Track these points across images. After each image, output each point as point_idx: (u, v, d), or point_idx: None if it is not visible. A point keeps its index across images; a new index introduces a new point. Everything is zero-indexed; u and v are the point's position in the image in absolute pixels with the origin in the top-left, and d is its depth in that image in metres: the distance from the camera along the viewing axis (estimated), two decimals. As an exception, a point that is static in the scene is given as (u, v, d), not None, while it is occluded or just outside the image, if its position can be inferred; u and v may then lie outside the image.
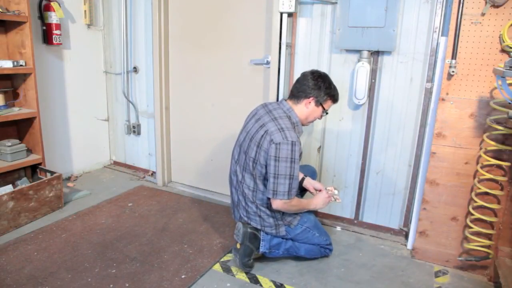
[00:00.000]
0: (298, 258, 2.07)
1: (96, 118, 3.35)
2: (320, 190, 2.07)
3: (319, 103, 1.90)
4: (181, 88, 2.97)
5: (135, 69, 3.16)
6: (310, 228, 2.01)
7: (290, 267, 2.03)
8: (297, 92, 1.90)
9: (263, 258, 2.05)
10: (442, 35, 2.01)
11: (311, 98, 1.88)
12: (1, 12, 2.34)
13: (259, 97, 2.63)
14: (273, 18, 2.38)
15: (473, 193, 1.93)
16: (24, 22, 2.42)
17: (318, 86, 1.87)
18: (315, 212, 2.42)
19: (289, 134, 1.76)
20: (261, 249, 1.94)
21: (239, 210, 2.03)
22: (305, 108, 1.90)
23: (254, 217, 1.96)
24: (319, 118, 1.99)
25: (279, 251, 1.99)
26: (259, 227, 1.96)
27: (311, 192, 2.14)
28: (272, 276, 1.95)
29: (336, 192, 2.05)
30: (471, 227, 1.94)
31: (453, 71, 1.87)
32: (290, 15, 2.35)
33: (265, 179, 1.87)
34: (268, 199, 1.88)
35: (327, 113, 1.98)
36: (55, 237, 2.23)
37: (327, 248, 2.08)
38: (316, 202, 1.99)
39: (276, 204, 1.84)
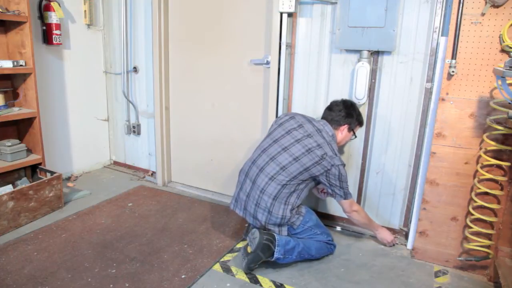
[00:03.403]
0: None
1: (96, 118, 3.35)
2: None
3: (351, 129, 2.14)
4: (181, 88, 2.97)
5: (135, 69, 3.16)
6: (311, 228, 2.05)
7: (290, 267, 2.03)
8: (332, 120, 2.11)
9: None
10: (442, 35, 2.01)
11: (345, 126, 2.12)
12: (1, 12, 2.34)
13: (259, 97, 2.63)
14: (273, 18, 2.38)
15: (473, 193, 1.93)
16: (24, 22, 2.42)
17: (351, 115, 2.11)
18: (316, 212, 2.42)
19: (341, 158, 1.99)
20: (276, 255, 1.91)
21: (248, 201, 2.04)
22: (340, 134, 2.13)
23: (263, 212, 1.97)
24: (347, 141, 2.24)
25: (293, 255, 1.97)
26: (263, 222, 1.98)
27: (318, 193, 2.37)
28: (272, 276, 1.95)
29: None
30: (471, 227, 1.94)
31: (453, 71, 1.87)
32: (290, 15, 2.35)
33: (302, 182, 1.99)
34: (291, 195, 1.99)
35: (356, 137, 2.23)
36: (55, 237, 2.23)
37: (331, 244, 2.12)
38: (382, 232, 2.26)
39: (348, 205, 2.06)
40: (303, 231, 2.03)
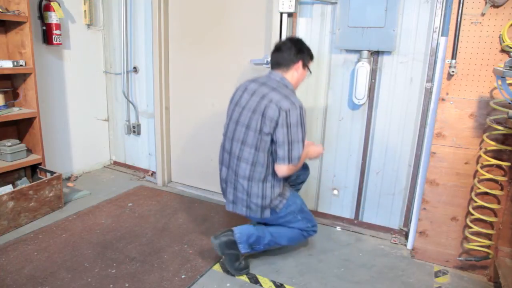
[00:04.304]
0: (297, 257, 2.08)
1: (96, 118, 3.35)
2: None
3: (305, 65, 1.97)
4: (181, 88, 2.97)
5: (135, 69, 3.16)
6: (294, 212, 1.98)
7: (290, 267, 2.03)
8: (284, 60, 1.93)
9: (261, 255, 2.06)
10: (442, 35, 2.01)
11: (299, 63, 1.93)
12: (1, 12, 2.34)
13: (259, 97, 2.63)
14: (273, 18, 2.38)
15: (473, 193, 1.93)
16: (24, 22, 2.42)
17: (302, 50, 1.94)
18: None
19: (295, 100, 1.79)
20: (242, 251, 1.93)
21: (227, 187, 2.00)
22: (295, 73, 1.95)
23: (242, 195, 1.91)
24: (304, 79, 2.05)
25: (261, 246, 1.98)
26: (244, 209, 1.93)
27: None
28: (272, 276, 1.95)
29: None
30: (471, 227, 1.94)
31: (453, 71, 1.87)
32: (290, 15, 2.35)
33: (269, 149, 1.85)
34: (268, 170, 1.87)
35: (311, 73, 2.06)
36: (55, 237, 2.23)
37: (310, 230, 2.04)
38: (310, 151, 2.03)
39: (283, 170, 1.83)
40: (286, 215, 1.97)
